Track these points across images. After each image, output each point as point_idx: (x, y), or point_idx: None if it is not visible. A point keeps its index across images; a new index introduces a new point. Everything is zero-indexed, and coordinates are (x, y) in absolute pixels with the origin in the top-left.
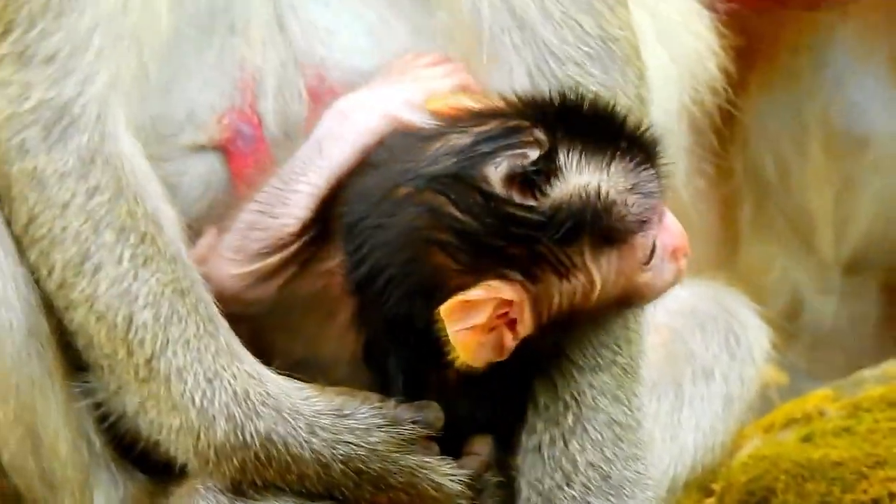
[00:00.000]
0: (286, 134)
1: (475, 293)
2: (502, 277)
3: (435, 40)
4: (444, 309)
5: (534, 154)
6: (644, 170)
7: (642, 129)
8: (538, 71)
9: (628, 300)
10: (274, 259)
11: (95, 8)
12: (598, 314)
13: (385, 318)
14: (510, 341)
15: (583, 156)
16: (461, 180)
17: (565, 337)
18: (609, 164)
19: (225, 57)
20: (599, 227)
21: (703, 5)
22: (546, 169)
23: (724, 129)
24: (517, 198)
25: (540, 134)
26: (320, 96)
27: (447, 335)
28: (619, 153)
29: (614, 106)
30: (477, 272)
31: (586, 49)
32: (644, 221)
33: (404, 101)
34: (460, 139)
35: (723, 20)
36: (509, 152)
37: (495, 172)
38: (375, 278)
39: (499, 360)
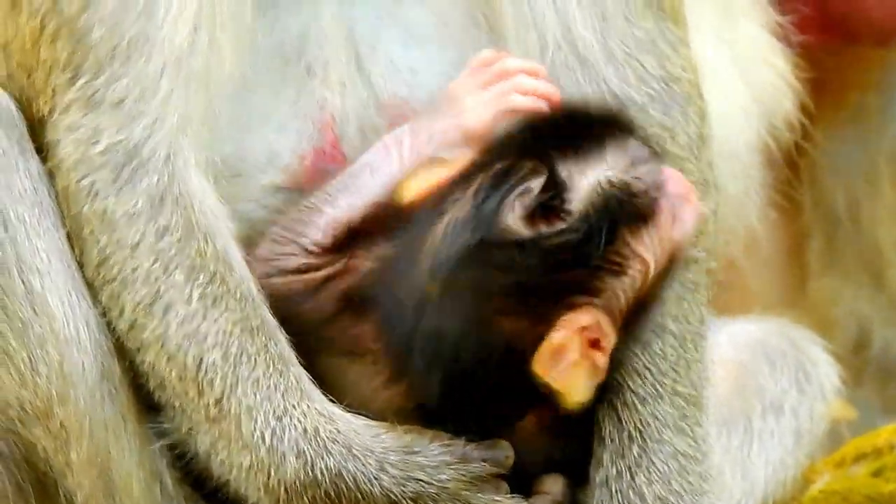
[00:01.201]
0: None
1: (558, 336)
2: (571, 307)
3: None
4: (537, 366)
5: (536, 182)
6: (630, 141)
7: (607, 108)
8: None
9: (676, 259)
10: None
11: (162, 52)
12: (660, 287)
13: (472, 405)
14: (602, 360)
15: (578, 160)
16: (486, 244)
17: (641, 325)
18: (603, 154)
19: (302, 98)
20: (629, 211)
21: (779, 39)
22: (556, 189)
23: (793, 163)
24: (546, 229)
25: (529, 163)
26: None
27: (550, 387)
28: (605, 140)
29: (573, 101)
30: (547, 316)
31: (647, 89)
32: (659, 184)
33: (441, 139)
34: (460, 209)
35: (796, 54)
36: (513, 194)
37: (513, 218)
38: (456, 385)
39: (600, 381)
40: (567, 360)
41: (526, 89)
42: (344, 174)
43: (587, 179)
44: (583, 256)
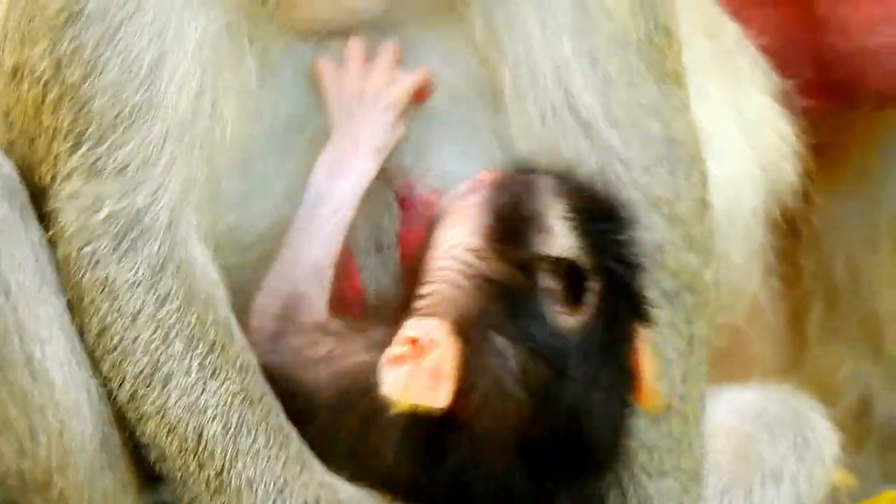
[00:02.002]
0: (377, 244)
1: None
2: (636, 349)
3: (514, 143)
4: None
5: (544, 281)
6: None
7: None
8: (602, 173)
9: None
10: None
11: (165, 119)
12: None
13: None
14: None
15: (551, 242)
16: (550, 359)
17: None
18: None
19: (306, 167)
20: (619, 255)
21: (783, 105)
22: (569, 273)
23: (795, 229)
24: (595, 302)
25: (519, 273)
26: (411, 204)
27: None
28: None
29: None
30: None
31: (652, 152)
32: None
33: (378, 131)
34: (501, 369)
35: (799, 119)
36: (541, 306)
37: (566, 320)
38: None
39: None
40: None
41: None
42: (300, 217)
43: (581, 246)
44: (632, 298)
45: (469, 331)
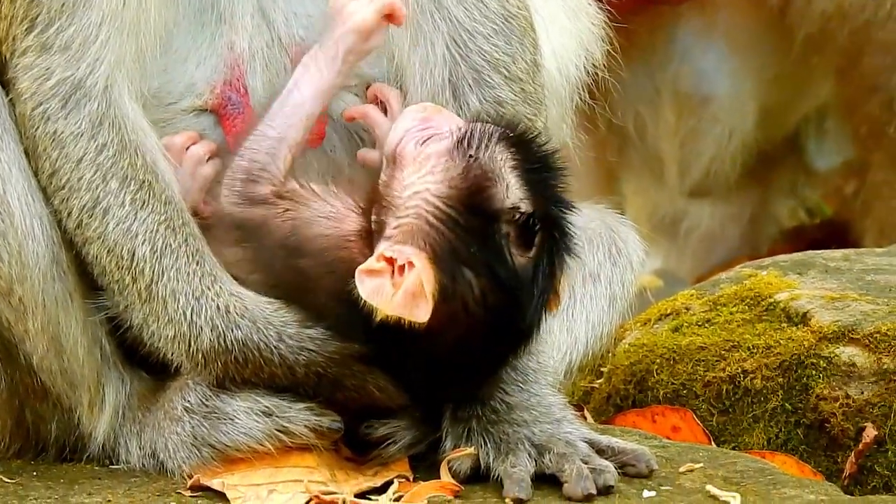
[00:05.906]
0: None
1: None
2: None
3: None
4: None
5: (506, 228)
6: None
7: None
8: (453, 43)
9: None
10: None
11: (100, 7)
12: None
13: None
14: None
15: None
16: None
17: None
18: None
19: (216, 41)
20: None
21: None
22: (523, 222)
23: (596, 91)
24: (538, 246)
25: (483, 226)
26: None
27: None
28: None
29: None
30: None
31: (492, 25)
32: None
33: (344, 45)
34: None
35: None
36: (505, 250)
37: (521, 258)
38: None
39: None
40: None
41: None
42: (278, 98)
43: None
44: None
45: (442, 262)
